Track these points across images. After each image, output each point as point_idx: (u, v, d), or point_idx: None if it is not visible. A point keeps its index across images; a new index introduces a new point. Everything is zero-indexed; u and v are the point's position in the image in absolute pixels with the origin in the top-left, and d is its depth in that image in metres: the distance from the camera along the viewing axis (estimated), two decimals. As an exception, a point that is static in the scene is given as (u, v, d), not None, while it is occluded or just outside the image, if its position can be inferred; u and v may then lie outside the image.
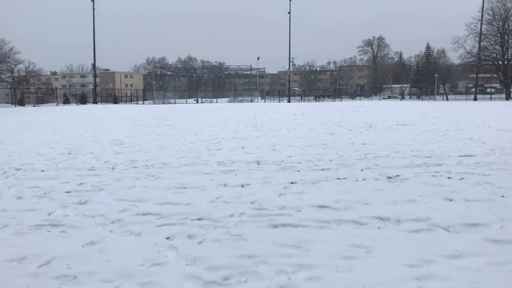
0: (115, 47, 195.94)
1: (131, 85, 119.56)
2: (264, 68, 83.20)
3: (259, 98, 76.94)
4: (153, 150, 11.82)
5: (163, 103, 61.64)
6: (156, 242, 4.80)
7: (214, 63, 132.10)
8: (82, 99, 61.22)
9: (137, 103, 62.65)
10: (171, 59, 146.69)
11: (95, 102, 58.30)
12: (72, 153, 11.34)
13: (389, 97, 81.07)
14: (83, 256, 4.46)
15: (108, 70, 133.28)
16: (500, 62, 66.45)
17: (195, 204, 6.29)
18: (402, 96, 79.65)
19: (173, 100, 67.79)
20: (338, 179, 7.78)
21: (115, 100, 66.94)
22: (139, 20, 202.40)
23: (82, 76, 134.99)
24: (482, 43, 64.03)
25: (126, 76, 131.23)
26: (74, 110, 36.91)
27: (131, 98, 76.71)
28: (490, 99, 62.29)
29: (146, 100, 70.95)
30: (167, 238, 4.93)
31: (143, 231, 5.18)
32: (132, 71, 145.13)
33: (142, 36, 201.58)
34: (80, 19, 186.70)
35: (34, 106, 54.23)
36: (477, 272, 3.93)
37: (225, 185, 7.41)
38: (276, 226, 5.27)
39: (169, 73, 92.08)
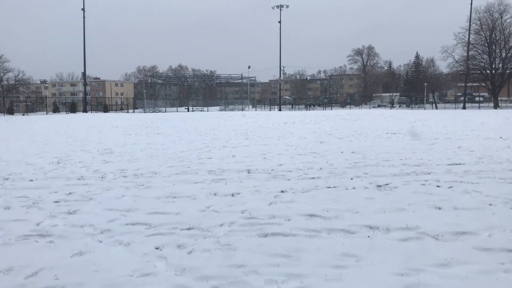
0: (105, 55, 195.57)
1: (122, 94, 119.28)
2: (255, 77, 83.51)
3: (250, 106, 77.06)
4: (143, 159, 11.77)
5: (154, 111, 61.52)
6: (145, 252, 4.77)
7: (205, 72, 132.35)
8: (72, 108, 60.85)
9: (128, 112, 62.42)
10: (162, 68, 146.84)
11: (85, 110, 58.04)
12: (61, 162, 11.25)
13: (379, 106, 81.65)
14: (71, 266, 4.41)
15: (99, 78, 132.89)
16: (488, 71, 67.35)
17: (185, 213, 6.26)
18: (391, 104, 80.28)
19: (164, 108, 67.66)
20: (328, 187, 7.80)
21: (106, 109, 66.65)
22: (130, 29, 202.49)
23: (72, 84, 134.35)
24: (470, 53, 64.90)
25: (116, 85, 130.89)
26: (64, 119, 36.70)
27: (122, 107, 76.42)
28: (479, 107, 63.01)
29: (137, 108, 70.78)
30: (157, 248, 4.90)
31: (132, 241, 5.14)
32: (123, 79, 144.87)
33: (133, 45, 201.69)
34: (71, 28, 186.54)
35: (23, 114, 53.81)
36: (466, 280, 3.95)
37: (215, 194, 7.39)
38: (266, 235, 5.27)
39: (160, 81, 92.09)
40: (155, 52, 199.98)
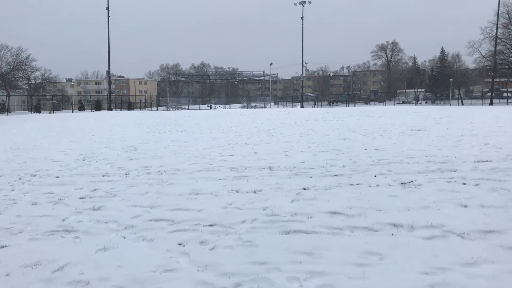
0: (129, 54, 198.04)
1: (145, 92, 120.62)
2: (277, 74, 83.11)
3: (272, 103, 76.92)
4: (166, 156, 11.89)
5: (177, 109, 62.01)
6: (169, 248, 4.82)
7: (227, 69, 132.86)
8: (97, 106, 61.85)
9: (151, 110, 63.13)
10: (185, 66, 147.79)
11: (109, 108, 58.92)
12: (86, 159, 11.46)
13: (403, 102, 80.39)
14: (96, 262, 4.49)
15: (123, 76, 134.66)
16: (517, 66, 65.59)
17: (207, 210, 6.30)
18: (416, 101, 78.99)
19: (187, 106, 68.18)
20: (351, 185, 7.73)
21: (130, 107, 67.52)
22: (153, 27, 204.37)
23: (97, 83, 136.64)
24: (498, 47, 63.28)
25: (140, 83, 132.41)
26: (89, 116, 37.32)
27: (145, 105, 77.32)
28: (507, 103, 61.42)
29: (160, 106, 71.44)
30: (179, 244, 4.94)
31: (156, 237, 5.20)
32: (146, 77, 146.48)
33: (156, 43, 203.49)
34: (96, 27, 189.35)
35: (49, 112, 55.00)
36: (493, 280, 3.86)
37: (237, 191, 7.41)
38: (288, 233, 5.25)
39: (182, 79, 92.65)
40: (177, 50, 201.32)
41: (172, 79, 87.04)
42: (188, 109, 61.34)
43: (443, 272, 4.02)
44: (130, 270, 4.26)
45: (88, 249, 4.87)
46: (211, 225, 5.61)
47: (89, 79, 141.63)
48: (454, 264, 4.18)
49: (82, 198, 7.19)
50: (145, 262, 4.45)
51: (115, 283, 4.00)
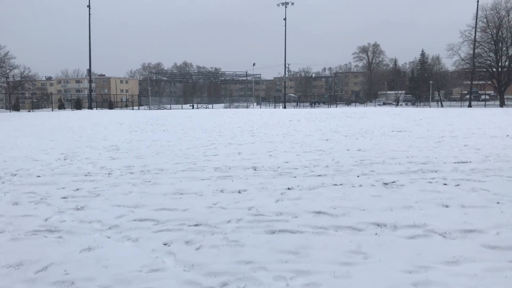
0: (110, 52, 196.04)
1: (127, 91, 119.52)
2: (260, 74, 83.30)
3: (255, 104, 76.99)
4: (149, 155, 11.81)
5: (159, 108, 61.59)
6: (154, 248, 4.80)
7: (210, 69, 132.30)
8: (77, 105, 61.01)
9: (133, 109, 62.56)
10: (167, 65, 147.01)
11: (90, 107, 58.18)
12: (68, 159, 11.31)
13: (384, 104, 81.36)
14: (80, 262, 4.45)
15: (104, 75, 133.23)
16: (494, 69, 67.00)
17: (192, 210, 6.29)
18: (397, 102, 79.98)
19: (169, 105, 67.73)
20: (334, 185, 7.80)
21: (111, 106, 66.79)
22: (135, 26, 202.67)
23: (78, 81, 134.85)
24: (476, 50, 64.52)
25: (121, 82, 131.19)
26: (70, 115, 36.80)
27: (127, 104, 76.56)
28: (485, 105, 62.65)
29: (142, 105, 70.86)
30: (165, 244, 4.93)
31: (141, 237, 5.17)
32: (128, 76, 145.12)
33: (138, 42, 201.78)
34: (76, 25, 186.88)
35: (29, 111, 54.01)
36: (474, 278, 3.95)
37: (222, 191, 7.41)
38: (273, 232, 5.28)
39: (164, 78, 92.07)
40: (159, 49, 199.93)
41: (154, 78, 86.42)
42: (170, 108, 60.97)
43: (426, 270, 4.10)
44: (115, 270, 4.23)
45: (72, 249, 4.82)
46: (196, 225, 5.60)
47: (69, 78, 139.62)
48: (437, 263, 4.27)
49: (64, 198, 7.10)
50: (131, 262, 4.43)
51: (101, 283, 3.97)
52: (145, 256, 4.58)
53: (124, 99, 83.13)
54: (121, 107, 72.44)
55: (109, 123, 25.47)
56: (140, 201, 6.85)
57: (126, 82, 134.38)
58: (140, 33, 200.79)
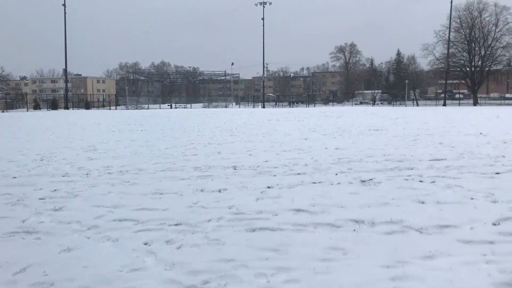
0: (87, 52, 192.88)
1: (104, 91, 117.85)
2: (239, 74, 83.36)
3: (234, 103, 76.99)
4: (127, 156, 11.72)
5: (136, 108, 61.02)
6: (134, 248, 4.79)
7: (188, 68, 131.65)
8: (53, 105, 59.97)
9: (110, 109, 61.81)
10: (144, 64, 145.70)
11: (66, 107, 57.26)
12: (44, 159, 11.13)
13: (361, 103, 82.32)
14: (60, 263, 4.41)
15: (80, 75, 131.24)
16: (468, 69, 68.56)
17: (172, 209, 6.28)
18: (373, 102, 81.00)
19: (147, 105, 67.17)
20: (313, 183, 7.89)
21: (87, 106, 65.89)
22: (111, 25, 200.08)
23: (53, 81, 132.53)
24: (450, 50, 65.92)
25: (98, 81, 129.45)
26: (45, 115, 36.17)
27: (104, 104, 75.57)
28: (459, 104, 64.01)
29: (119, 105, 70.11)
30: (145, 244, 4.92)
31: (121, 237, 5.15)
32: (105, 76, 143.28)
33: (115, 41, 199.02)
34: (51, 23, 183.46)
35: (2, 111, 52.80)
36: (449, 271, 4.07)
37: (202, 190, 7.42)
38: (254, 230, 5.33)
39: (142, 78, 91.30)
40: (137, 48, 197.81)
41: (132, 77, 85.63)
42: (148, 108, 60.49)
43: (403, 265, 4.20)
44: (95, 270, 4.21)
45: (51, 250, 4.76)
46: (177, 224, 5.61)
47: (44, 77, 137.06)
48: (413, 258, 4.37)
49: (42, 199, 7.00)
50: (111, 262, 4.41)
51: (81, 284, 3.95)
52: (125, 256, 4.57)
53: (101, 99, 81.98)
54: (98, 107, 71.50)
55: (86, 123, 25.13)
56: (119, 201, 6.80)
57: (103, 81, 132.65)
58: (117, 32, 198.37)
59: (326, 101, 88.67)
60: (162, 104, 73.28)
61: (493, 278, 3.91)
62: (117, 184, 8.05)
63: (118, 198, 6.99)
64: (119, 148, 13.33)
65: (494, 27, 66.49)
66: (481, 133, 16.14)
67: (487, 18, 66.73)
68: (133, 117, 31.28)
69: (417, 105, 68.59)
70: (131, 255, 4.59)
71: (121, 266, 4.31)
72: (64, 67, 57.94)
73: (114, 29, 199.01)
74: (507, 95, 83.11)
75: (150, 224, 5.63)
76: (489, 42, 67.01)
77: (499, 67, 71.50)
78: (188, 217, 5.86)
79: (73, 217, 5.98)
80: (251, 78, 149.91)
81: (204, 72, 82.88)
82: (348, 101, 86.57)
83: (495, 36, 66.70)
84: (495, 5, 65.38)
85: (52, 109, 57.65)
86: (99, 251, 4.74)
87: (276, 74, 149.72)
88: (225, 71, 73.68)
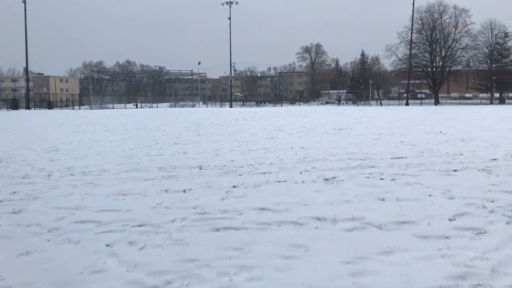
0: (49, 50, 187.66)
1: (67, 90, 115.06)
2: (206, 73, 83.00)
3: (201, 103, 76.62)
4: (91, 156, 11.51)
5: (101, 108, 59.87)
6: (96, 250, 4.72)
7: (154, 68, 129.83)
8: (14, 105, 58.02)
9: (73, 109, 60.39)
10: (109, 63, 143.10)
11: (27, 107, 55.58)
12: (3, 161, 10.79)
13: (327, 103, 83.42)
14: (18, 266, 4.31)
15: (42, 74, 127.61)
16: (429, 69, 70.60)
17: (136, 210, 6.22)
18: (339, 101, 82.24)
19: (111, 105, 65.99)
20: (278, 182, 7.98)
21: (50, 106, 64.07)
22: (74, 23, 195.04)
23: (14, 80, 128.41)
24: (412, 51, 67.72)
25: (61, 81, 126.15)
26: (5, 116, 35.01)
27: (67, 103, 73.77)
28: (421, 104, 65.84)
29: (83, 105, 68.67)
30: (107, 245, 4.86)
31: (82, 239, 5.07)
32: (68, 75, 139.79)
33: (78, 40, 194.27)
34: (12, 20, 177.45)
35: (-42, 111, 50.74)
36: (406, 266, 4.21)
37: (166, 191, 7.38)
38: (218, 230, 5.35)
39: (106, 77, 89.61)
40: (101, 47, 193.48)
41: (96, 77, 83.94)
42: (113, 108, 59.44)
43: (363, 261, 4.32)
44: (55, 273, 4.14)
45: (8, 254, 4.64)
46: (140, 225, 5.56)
47: (4, 77, 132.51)
48: (372, 254, 4.50)
49: (0, 202, 6.80)
50: (72, 264, 4.34)
51: (40, 287, 3.87)
52: (87, 258, 4.50)
53: (64, 99, 79.98)
54: (61, 107, 69.70)
55: (48, 124, 24.50)
56: (81, 202, 6.69)
57: (66, 81, 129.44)
58: (81, 30, 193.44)
59: (293, 101, 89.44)
60: (127, 103, 72.13)
61: (447, 271, 4.06)
62: (79, 186, 7.90)
63: (80, 200, 6.87)
64: (82, 149, 13.07)
65: (454, 29, 68.82)
66: (440, 132, 16.68)
67: (447, 20, 69.04)
68: (97, 117, 30.71)
69: (381, 104, 70.09)
70: (93, 257, 4.53)
71: (82, 268, 4.25)
72: (25, 66, 56.23)
73: (78, 27, 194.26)
74: (467, 95, 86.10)
75: (112, 225, 5.57)
76: (449, 43, 69.26)
77: (459, 67, 74.01)
78: (152, 218, 5.83)
79: (33, 219, 5.84)
80: (218, 77, 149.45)
81: (171, 71, 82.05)
82: (314, 100, 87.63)
83: (455, 38, 69.03)
84: (455, 7, 67.71)
85: (13, 109, 55.80)
86: (60, 254, 4.66)
87: (244, 74, 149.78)
88: (191, 71, 73.18)
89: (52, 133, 18.64)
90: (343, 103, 79.30)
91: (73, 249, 4.80)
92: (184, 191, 7.33)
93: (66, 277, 4.06)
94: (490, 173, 8.48)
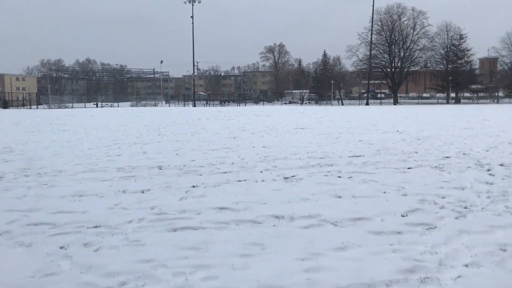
0: (4, 47, 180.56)
1: (24, 89, 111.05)
2: (168, 72, 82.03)
3: (164, 102, 75.69)
4: (47, 157, 11.20)
5: (60, 107, 58.23)
6: (49, 252, 4.62)
7: (115, 66, 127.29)
8: (-35, 104, 55.62)
9: (30, 108, 58.47)
10: (68, 62, 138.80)
11: (-20, 106, 53.33)
12: (-48, 163, 10.35)
13: (290, 102, 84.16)
14: (-35, 272, 4.16)
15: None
16: (388, 69, 72.44)
17: (92, 211, 6.11)
18: (301, 101, 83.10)
19: (71, 104, 64.28)
20: (239, 181, 8.02)
21: (5, 105, 61.71)
22: (32, 20, 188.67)
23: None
24: (372, 52, 69.29)
25: (17, 79, 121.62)
26: (-45, 115, 33.49)
27: (24, 103, 71.25)
28: (380, 103, 67.44)
29: (41, 104, 66.53)
30: (61, 248, 4.76)
31: (35, 242, 4.94)
32: (25, 73, 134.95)
33: (36, 37, 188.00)
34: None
35: None
36: (359, 261, 4.33)
37: (124, 192, 7.28)
38: (175, 230, 5.33)
39: (66, 76, 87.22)
40: (60, 44, 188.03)
41: (54, 75, 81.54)
42: (72, 107, 57.93)
43: (317, 257, 4.41)
44: (5, 278, 4.02)
45: (-45, 259, 4.48)
46: (96, 226, 5.47)
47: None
48: (327, 250, 4.60)
49: None
50: (23, 268, 4.23)
51: (-12, 292, 3.76)
52: (39, 261, 4.40)
53: (20, 98, 77.23)
54: (17, 106, 67.26)
55: (2, 124, 23.62)
56: (35, 204, 6.51)
57: (23, 79, 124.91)
58: (38, 28, 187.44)
59: (257, 101, 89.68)
60: (87, 103, 70.44)
61: (397, 265, 4.21)
62: (33, 187, 7.69)
63: (34, 202, 6.69)
64: (38, 149, 12.70)
65: (412, 30, 70.86)
66: (397, 131, 17.16)
67: (406, 22, 71.02)
68: (55, 117, 29.85)
69: (342, 104, 71.33)
70: (45, 260, 4.43)
71: (33, 271, 4.15)
72: (-23, 63, 53.99)
73: (35, 24, 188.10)
74: (424, 95, 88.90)
75: (67, 227, 5.45)
76: (408, 45, 71.28)
77: (417, 68, 76.29)
78: (108, 219, 5.74)
79: (-17, 223, 5.64)
80: (181, 76, 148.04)
81: (132, 70, 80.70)
82: (278, 100, 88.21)
83: (413, 39, 71.12)
84: (413, 9, 69.73)
85: (-36, 108, 53.47)
86: (10, 257, 4.53)
87: (207, 73, 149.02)
88: (154, 69, 72.27)
89: (7, 134, 18.00)
90: (305, 103, 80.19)
91: (25, 252, 4.68)
92: (143, 192, 7.26)
93: (16, 281, 3.96)
94: (443, 170, 8.81)
